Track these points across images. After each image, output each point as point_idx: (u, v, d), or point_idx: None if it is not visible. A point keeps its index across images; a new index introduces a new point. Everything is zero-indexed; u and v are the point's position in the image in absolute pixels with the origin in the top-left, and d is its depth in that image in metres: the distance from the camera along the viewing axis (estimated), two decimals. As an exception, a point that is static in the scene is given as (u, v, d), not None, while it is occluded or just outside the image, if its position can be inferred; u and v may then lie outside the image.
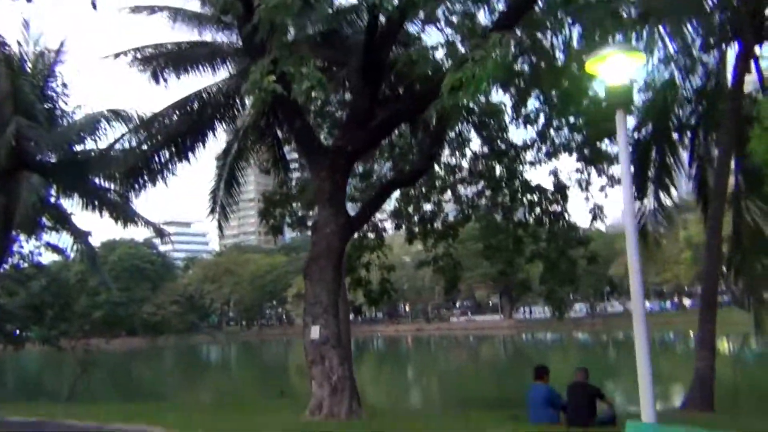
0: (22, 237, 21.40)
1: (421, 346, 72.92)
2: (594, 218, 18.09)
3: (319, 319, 11.17)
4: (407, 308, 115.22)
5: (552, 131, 17.77)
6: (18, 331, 25.16)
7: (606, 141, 17.21)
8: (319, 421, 10.31)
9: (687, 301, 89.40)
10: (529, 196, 18.92)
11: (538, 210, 18.96)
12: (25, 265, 23.34)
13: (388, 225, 21.91)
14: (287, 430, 9.36)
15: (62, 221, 20.42)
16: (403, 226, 20.54)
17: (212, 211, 18.02)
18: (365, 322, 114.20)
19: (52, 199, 20.14)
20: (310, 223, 19.87)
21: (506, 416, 10.87)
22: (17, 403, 19.75)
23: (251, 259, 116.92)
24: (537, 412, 9.98)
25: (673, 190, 17.47)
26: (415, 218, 20.13)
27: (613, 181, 17.59)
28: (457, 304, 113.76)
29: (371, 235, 20.11)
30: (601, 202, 18.34)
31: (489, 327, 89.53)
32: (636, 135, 17.56)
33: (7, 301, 24.05)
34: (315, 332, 11.10)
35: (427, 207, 20.11)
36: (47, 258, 26.41)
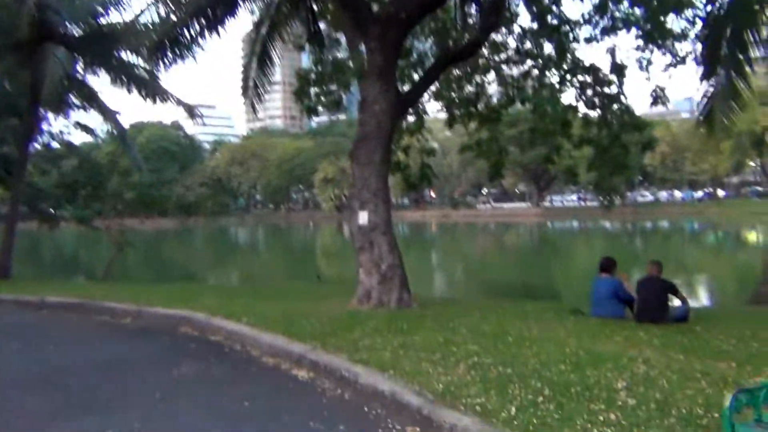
0: (51, 115, 20.75)
1: (450, 232, 72.97)
2: (655, 101, 16.75)
3: (368, 204, 10.45)
4: (433, 194, 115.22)
5: (611, 4, 16.24)
6: (52, 210, 25.06)
7: (671, 15, 15.72)
8: (369, 309, 9.80)
9: (721, 192, 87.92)
10: (580, 77, 17.61)
11: (590, 92, 17.70)
12: (56, 144, 22.85)
13: (429, 107, 20.67)
14: (338, 318, 8.85)
15: (90, 99, 19.64)
16: (444, 109, 19.36)
17: (245, 90, 17.07)
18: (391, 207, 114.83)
19: (79, 75, 19.28)
20: (347, 105, 18.86)
21: (565, 309, 10.26)
22: (54, 281, 19.90)
23: (278, 143, 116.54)
24: (602, 306, 9.36)
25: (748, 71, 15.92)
26: (456, 100, 18.94)
27: (678, 60, 16.14)
28: (484, 191, 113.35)
29: (411, 118, 19.12)
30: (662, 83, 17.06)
31: (516, 215, 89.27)
32: (708, 8, 15.89)
33: (39, 179, 23.78)
34: (363, 218, 10.41)
35: (470, 88, 18.92)
36: (77, 138, 25.97)
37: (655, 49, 16.80)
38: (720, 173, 77.83)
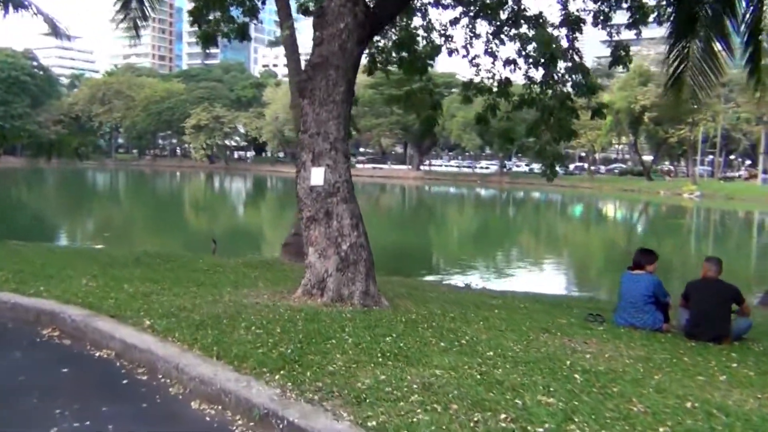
0: None
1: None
2: (617, 61, 14.79)
3: (324, 157, 7.50)
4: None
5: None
6: None
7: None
8: (324, 307, 6.95)
9: (593, 167, 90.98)
10: (523, 28, 15.44)
11: (530, 47, 15.53)
12: None
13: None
14: (288, 323, 5.94)
15: None
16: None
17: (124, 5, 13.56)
18: (267, 161, 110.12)
19: None
20: (253, 34, 15.57)
21: (570, 309, 7.98)
22: None
23: (146, 83, 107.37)
24: (637, 313, 7.12)
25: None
26: (380, 45, 16.13)
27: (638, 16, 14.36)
28: (361, 150, 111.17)
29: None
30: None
31: (396, 176, 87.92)
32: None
33: None
34: (318, 176, 7.46)
35: (394, 33, 16.17)
36: None
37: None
38: (596, 149, 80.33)
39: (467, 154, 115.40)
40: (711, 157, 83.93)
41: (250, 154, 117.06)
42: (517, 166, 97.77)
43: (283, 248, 12.93)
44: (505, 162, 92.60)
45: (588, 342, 6.15)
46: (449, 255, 25.38)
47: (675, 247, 30.82)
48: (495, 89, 16.33)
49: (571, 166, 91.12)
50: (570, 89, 15.57)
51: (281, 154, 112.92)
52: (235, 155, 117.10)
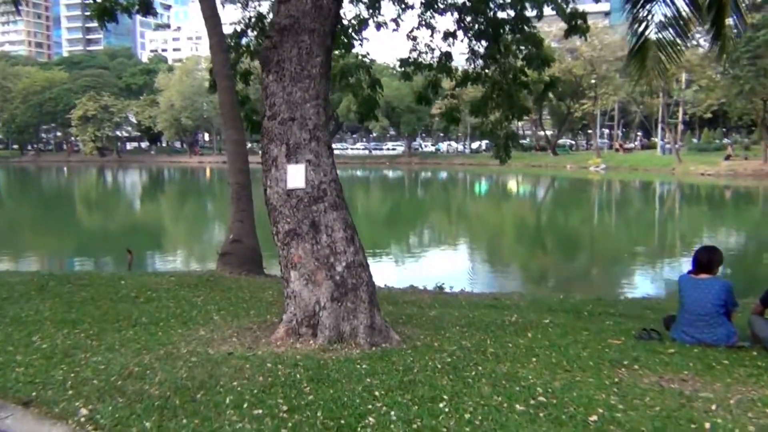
0: None
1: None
2: (573, 30, 13.57)
3: (303, 151, 5.65)
4: (207, 138, 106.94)
5: None
6: None
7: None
8: (319, 352, 5.17)
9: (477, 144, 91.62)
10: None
11: (469, 18, 14.18)
12: None
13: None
14: (288, 388, 4.18)
15: None
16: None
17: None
18: (164, 151, 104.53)
19: None
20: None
21: (610, 326, 6.57)
22: None
23: (23, 72, 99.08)
24: (706, 327, 5.75)
25: None
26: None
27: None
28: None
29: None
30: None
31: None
32: None
33: None
34: (297, 176, 5.61)
35: None
36: None
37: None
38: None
39: (372, 136, 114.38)
40: (607, 130, 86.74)
41: (145, 144, 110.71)
42: (424, 146, 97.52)
43: (220, 259, 10.90)
44: (412, 143, 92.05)
45: (686, 379, 4.71)
46: (373, 244, 23.81)
47: (589, 220, 30.76)
48: (435, 65, 14.96)
49: (475, 144, 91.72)
50: (521, 62, 14.38)
51: (178, 144, 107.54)
52: (128, 146, 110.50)
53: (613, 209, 36.37)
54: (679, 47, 13.33)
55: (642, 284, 15.71)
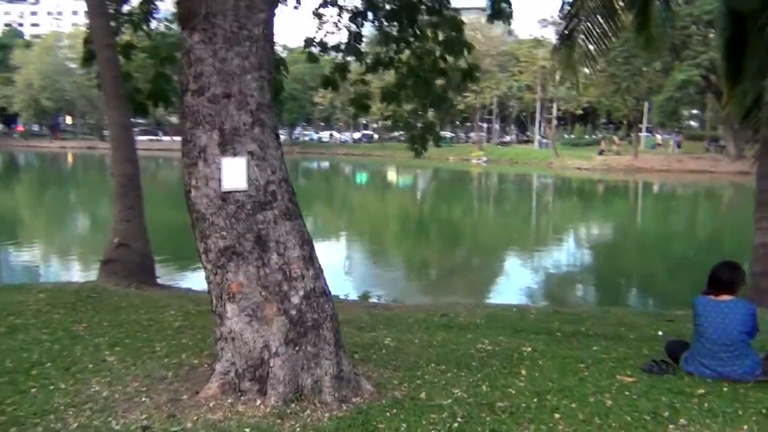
0: None
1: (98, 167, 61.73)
2: (496, 15, 12.67)
3: (244, 139, 4.14)
4: (69, 121, 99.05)
5: None
6: None
7: None
8: (272, 419, 3.74)
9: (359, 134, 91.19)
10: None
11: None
12: None
13: None
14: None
15: None
16: None
17: None
18: (14, 135, 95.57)
19: None
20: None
21: (618, 357, 5.56)
22: None
23: None
24: (731, 358, 4.84)
25: None
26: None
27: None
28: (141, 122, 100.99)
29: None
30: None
31: (178, 149, 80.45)
32: None
33: None
34: (236, 174, 4.09)
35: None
36: None
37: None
38: (384, 116, 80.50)
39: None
40: (485, 124, 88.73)
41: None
42: (305, 135, 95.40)
43: (103, 267, 8.98)
44: (293, 132, 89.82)
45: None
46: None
47: (478, 212, 30.68)
48: (343, 47, 13.71)
49: (357, 135, 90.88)
50: (437, 48, 13.38)
51: (36, 127, 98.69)
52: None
53: (504, 201, 36.67)
54: (608, 37, 12.81)
55: (558, 283, 15.27)
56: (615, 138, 63.25)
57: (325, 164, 70.21)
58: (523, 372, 4.87)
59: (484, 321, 7.11)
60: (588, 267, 17.78)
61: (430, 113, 14.35)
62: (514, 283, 14.68)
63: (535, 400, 4.21)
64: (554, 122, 70.13)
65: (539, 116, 67.62)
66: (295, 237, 4.19)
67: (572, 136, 75.54)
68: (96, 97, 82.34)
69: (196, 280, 11.37)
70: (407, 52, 13.55)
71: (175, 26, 14.10)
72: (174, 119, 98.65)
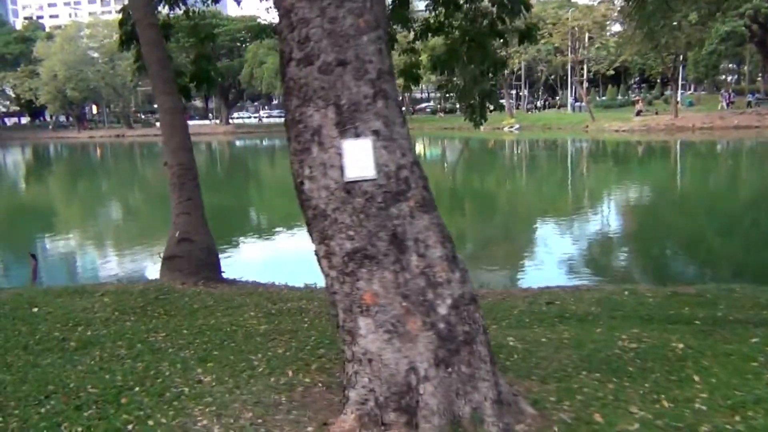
0: None
1: (150, 154, 61.76)
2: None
3: (366, 116, 3.38)
4: (96, 111, 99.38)
5: None
6: None
7: None
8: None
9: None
10: None
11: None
12: None
13: None
14: None
15: None
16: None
17: None
18: (43, 127, 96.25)
19: None
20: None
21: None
22: None
23: None
24: None
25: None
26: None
27: None
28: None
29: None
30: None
31: (204, 132, 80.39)
32: None
33: None
34: (361, 159, 3.33)
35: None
36: None
37: None
38: (413, 88, 79.22)
39: (274, 103, 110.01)
40: (513, 90, 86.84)
41: (26, 120, 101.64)
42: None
43: (165, 264, 8.34)
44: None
45: None
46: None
47: (518, 180, 29.63)
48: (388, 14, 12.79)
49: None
50: (492, 8, 12.43)
51: (63, 118, 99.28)
52: (7, 122, 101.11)
53: (550, 168, 35.43)
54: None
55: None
56: (641, 101, 61.13)
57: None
58: (696, 378, 4.08)
59: (600, 309, 6.31)
60: (661, 235, 16.68)
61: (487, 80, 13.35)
62: (586, 257, 13.81)
63: (737, 417, 3.43)
64: (585, 84, 68.25)
65: (570, 79, 65.72)
66: (436, 233, 3.43)
67: (604, 98, 73.44)
68: (121, 85, 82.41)
69: (256, 271, 10.76)
70: (458, 15, 12.62)
71: (210, 3, 13.33)
72: (198, 102, 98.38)
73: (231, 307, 6.61)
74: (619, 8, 48.15)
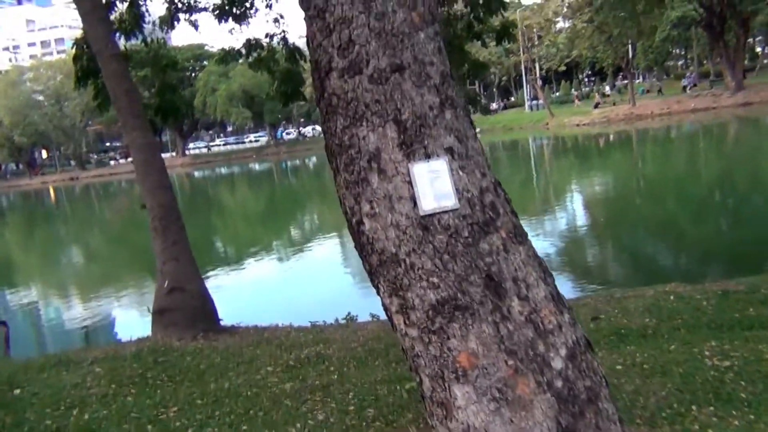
0: None
1: (114, 196, 59.82)
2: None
3: (437, 131, 2.70)
4: (46, 155, 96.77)
5: None
6: None
7: None
8: None
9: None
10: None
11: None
12: None
13: None
14: None
15: None
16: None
17: None
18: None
19: None
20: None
21: None
22: None
23: None
24: None
25: None
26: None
27: None
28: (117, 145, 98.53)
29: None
30: None
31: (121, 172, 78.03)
32: None
33: None
34: (437, 184, 2.63)
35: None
36: None
37: None
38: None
39: (229, 130, 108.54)
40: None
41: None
42: (287, 134, 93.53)
43: (156, 319, 7.48)
44: (276, 132, 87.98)
45: None
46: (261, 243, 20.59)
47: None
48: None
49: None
50: (466, 8, 11.99)
51: (13, 166, 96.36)
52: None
53: (524, 169, 35.08)
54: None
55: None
56: (597, 93, 61.77)
57: (314, 159, 68.51)
58: None
59: (656, 320, 5.70)
60: (652, 227, 16.32)
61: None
62: (586, 257, 13.30)
63: None
64: (539, 82, 68.78)
65: (525, 78, 66.11)
66: (535, 267, 2.76)
67: (558, 93, 74.13)
68: (70, 126, 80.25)
69: (252, 312, 9.94)
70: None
71: (167, 30, 12.50)
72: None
73: (243, 362, 5.83)
74: (568, 4, 48.69)
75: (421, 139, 2.67)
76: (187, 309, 7.32)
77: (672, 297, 6.44)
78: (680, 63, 78.11)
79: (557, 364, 2.66)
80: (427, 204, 2.63)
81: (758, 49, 73.85)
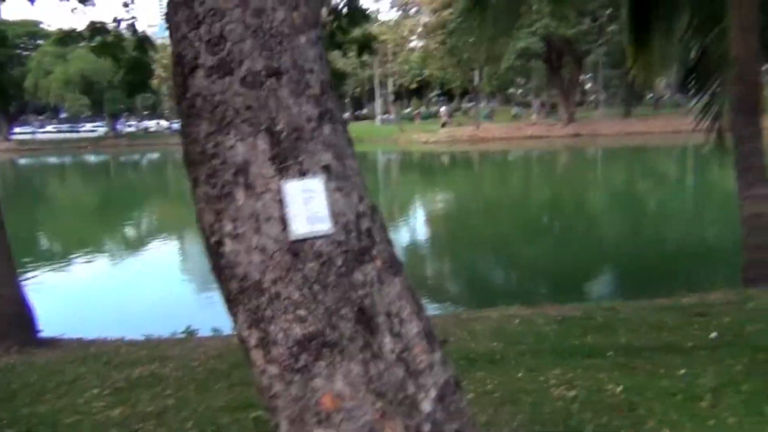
0: None
1: None
2: None
3: (312, 144, 2.44)
4: None
5: None
6: None
7: None
8: None
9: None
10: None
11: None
12: None
13: None
14: None
15: None
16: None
17: None
18: None
19: None
20: None
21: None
22: None
23: None
24: None
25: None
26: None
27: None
28: None
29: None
30: None
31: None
32: None
33: None
34: (312, 206, 2.37)
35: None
36: None
37: None
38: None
39: (62, 117, 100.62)
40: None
41: None
42: (129, 126, 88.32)
43: None
44: (117, 123, 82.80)
45: None
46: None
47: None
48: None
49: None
50: (329, 17, 11.84)
51: None
52: None
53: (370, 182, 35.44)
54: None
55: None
56: (445, 114, 64.36)
57: (156, 156, 65.45)
58: (667, 430, 3.61)
59: (502, 344, 5.78)
60: (489, 245, 17.07)
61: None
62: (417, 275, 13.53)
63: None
64: (391, 97, 70.46)
65: (378, 93, 67.40)
66: (410, 301, 2.57)
67: (409, 110, 76.36)
68: None
69: (76, 322, 9.03)
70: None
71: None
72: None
73: (64, 383, 5.17)
74: (422, 25, 50.37)
75: (296, 154, 2.40)
76: (0, 317, 6.43)
77: (517, 321, 6.62)
78: (519, 92, 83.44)
79: (426, 406, 2.48)
80: (299, 227, 2.36)
81: (587, 86, 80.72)
